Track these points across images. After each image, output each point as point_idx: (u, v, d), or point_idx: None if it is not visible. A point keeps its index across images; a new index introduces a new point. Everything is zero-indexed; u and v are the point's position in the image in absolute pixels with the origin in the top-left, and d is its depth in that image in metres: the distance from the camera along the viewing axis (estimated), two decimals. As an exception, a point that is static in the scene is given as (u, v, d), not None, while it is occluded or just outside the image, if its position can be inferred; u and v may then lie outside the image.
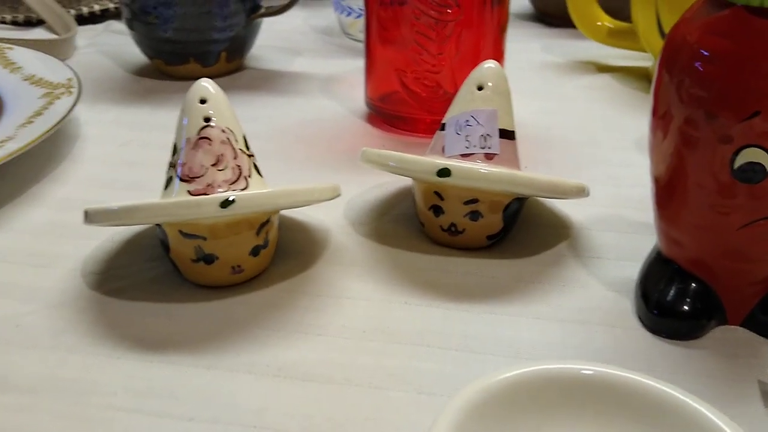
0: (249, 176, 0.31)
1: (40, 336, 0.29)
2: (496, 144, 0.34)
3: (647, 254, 0.31)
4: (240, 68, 0.59)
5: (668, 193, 0.29)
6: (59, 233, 0.36)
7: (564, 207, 0.38)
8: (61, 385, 0.27)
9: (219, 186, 0.30)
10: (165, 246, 0.31)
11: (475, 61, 0.37)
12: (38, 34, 0.67)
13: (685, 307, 0.29)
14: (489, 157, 0.34)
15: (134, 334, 0.29)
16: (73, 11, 0.70)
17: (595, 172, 0.42)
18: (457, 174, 0.31)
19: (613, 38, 0.58)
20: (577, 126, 0.49)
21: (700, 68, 0.26)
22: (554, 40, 0.67)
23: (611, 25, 0.57)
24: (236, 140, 0.31)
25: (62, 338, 0.29)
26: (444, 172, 0.31)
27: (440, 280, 0.33)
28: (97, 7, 0.72)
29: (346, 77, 0.57)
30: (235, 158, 0.31)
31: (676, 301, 0.29)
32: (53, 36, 0.66)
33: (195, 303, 0.31)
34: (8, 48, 0.53)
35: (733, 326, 0.29)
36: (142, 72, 0.58)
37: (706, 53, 0.26)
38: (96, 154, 0.45)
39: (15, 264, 0.34)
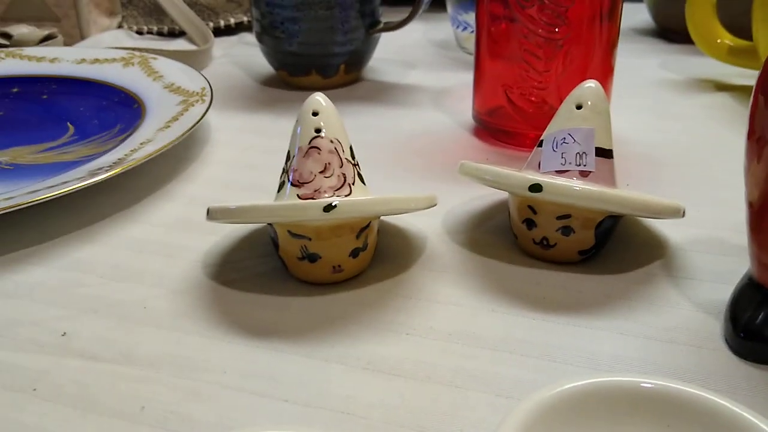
0: (353, 183, 0.34)
1: (163, 317, 0.33)
2: (591, 162, 0.35)
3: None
4: (358, 80, 0.62)
5: (760, 217, 0.29)
6: (186, 227, 0.40)
7: (663, 227, 0.38)
8: (178, 361, 0.30)
9: (325, 192, 0.33)
10: (275, 244, 0.34)
11: (583, 78, 0.38)
12: (180, 44, 0.74)
13: (773, 333, 0.29)
14: (584, 174, 0.34)
15: (243, 321, 0.32)
16: (211, 24, 0.77)
17: (701, 193, 0.42)
18: (549, 190, 0.32)
19: (733, 56, 0.56)
20: (689, 145, 0.49)
21: (793, 95, 0.26)
22: (673, 57, 0.66)
23: (731, 43, 0.56)
24: (343, 150, 0.34)
25: (182, 320, 0.32)
26: (536, 188, 0.32)
27: (528, 291, 0.34)
28: (232, 21, 0.78)
29: (457, 90, 0.58)
30: (340, 166, 0.34)
31: (764, 325, 0.29)
32: (193, 47, 0.72)
33: (298, 297, 0.34)
34: (153, 58, 0.58)
35: (821, 355, 0.29)
36: (268, 82, 0.62)
37: (800, 80, 0.26)
38: (222, 157, 0.49)
39: (148, 253, 0.38)
